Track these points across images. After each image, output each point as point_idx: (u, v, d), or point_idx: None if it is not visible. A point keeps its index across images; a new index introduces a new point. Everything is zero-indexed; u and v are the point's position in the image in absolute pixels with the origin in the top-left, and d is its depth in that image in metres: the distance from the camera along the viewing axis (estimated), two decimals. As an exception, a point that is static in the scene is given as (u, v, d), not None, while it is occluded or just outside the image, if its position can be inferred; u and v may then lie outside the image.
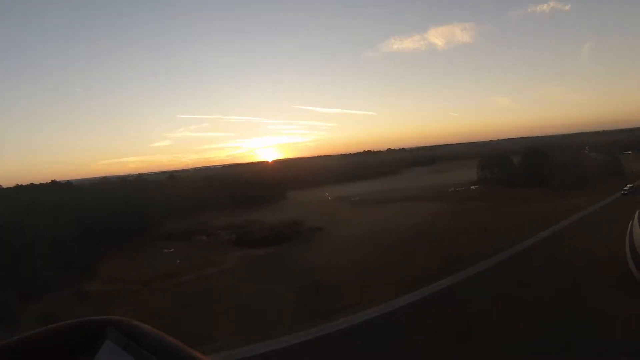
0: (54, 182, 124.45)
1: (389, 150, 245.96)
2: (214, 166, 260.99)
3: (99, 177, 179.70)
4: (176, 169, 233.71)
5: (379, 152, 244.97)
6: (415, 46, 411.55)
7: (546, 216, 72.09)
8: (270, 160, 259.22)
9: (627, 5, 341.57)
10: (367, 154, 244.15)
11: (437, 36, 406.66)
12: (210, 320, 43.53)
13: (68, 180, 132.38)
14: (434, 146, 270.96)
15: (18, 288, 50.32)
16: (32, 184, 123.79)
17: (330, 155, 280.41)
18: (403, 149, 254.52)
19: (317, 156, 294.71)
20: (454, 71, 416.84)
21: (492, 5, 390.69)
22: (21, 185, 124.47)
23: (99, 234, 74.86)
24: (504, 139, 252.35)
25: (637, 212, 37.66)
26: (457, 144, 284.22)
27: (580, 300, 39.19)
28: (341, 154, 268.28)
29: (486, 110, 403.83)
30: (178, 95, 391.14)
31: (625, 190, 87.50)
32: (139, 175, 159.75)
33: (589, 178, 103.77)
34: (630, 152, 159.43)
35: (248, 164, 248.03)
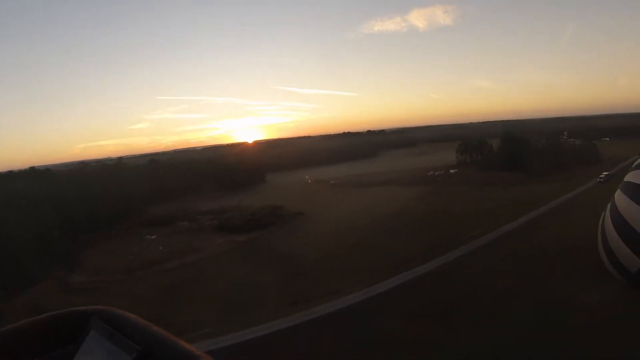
0: (32, 169, 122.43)
1: (369, 132, 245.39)
2: (194, 148, 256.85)
3: (77, 162, 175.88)
4: (156, 152, 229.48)
5: (359, 134, 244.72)
6: (396, 28, 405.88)
7: (522, 202, 73.62)
8: (250, 141, 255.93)
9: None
10: (347, 135, 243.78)
11: (418, 18, 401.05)
12: (196, 308, 44.35)
13: (47, 167, 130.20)
14: (414, 128, 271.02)
15: (2, 282, 50.47)
16: (10, 171, 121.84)
17: (310, 136, 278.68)
18: (383, 130, 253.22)
19: (297, 137, 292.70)
20: (435, 53, 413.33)
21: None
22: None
23: (81, 223, 74.49)
24: (484, 122, 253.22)
25: (609, 204, 38.60)
26: (437, 125, 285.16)
27: (551, 287, 40.85)
28: (321, 135, 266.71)
29: (467, 92, 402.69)
30: (156, 76, 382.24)
31: (602, 177, 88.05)
32: (119, 159, 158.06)
33: (566, 164, 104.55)
34: (608, 139, 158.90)
35: (228, 145, 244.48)
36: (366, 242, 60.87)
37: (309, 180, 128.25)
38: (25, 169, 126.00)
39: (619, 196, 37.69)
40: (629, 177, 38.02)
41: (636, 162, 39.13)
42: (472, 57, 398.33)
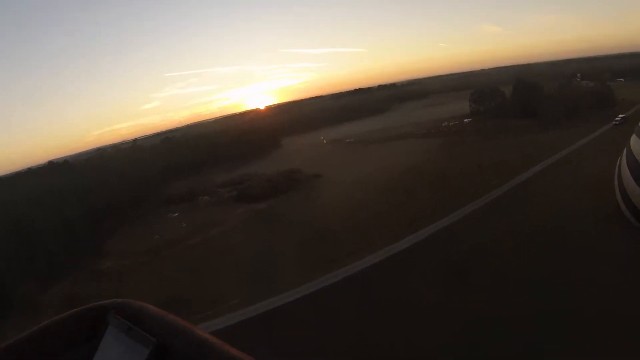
0: (50, 163, 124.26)
1: (380, 86, 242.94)
2: (206, 121, 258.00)
3: (94, 149, 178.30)
4: (169, 129, 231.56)
5: (370, 89, 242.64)
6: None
7: (537, 150, 72.62)
8: (262, 107, 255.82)
9: None
10: (358, 92, 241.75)
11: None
12: (222, 281, 45.21)
13: (65, 159, 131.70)
14: (426, 79, 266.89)
15: (36, 275, 52.18)
16: (29, 168, 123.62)
17: (321, 96, 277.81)
18: (394, 84, 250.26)
19: (308, 98, 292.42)
20: (441, 1, 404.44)
21: None
22: (20, 171, 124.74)
23: (104, 210, 75.94)
24: (495, 68, 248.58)
25: (625, 149, 38.09)
26: (448, 74, 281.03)
27: (568, 233, 41.03)
28: (332, 94, 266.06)
29: (476, 39, 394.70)
30: (161, 54, 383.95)
31: (617, 120, 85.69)
32: (134, 141, 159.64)
33: (581, 108, 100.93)
34: (622, 80, 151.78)
35: (240, 114, 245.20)
36: (384, 200, 61.12)
37: (324, 141, 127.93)
38: (43, 164, 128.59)
39: (634, 141, 36.97)
40: (645, 120, 37.19)
41: None
42: (478, 2, 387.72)
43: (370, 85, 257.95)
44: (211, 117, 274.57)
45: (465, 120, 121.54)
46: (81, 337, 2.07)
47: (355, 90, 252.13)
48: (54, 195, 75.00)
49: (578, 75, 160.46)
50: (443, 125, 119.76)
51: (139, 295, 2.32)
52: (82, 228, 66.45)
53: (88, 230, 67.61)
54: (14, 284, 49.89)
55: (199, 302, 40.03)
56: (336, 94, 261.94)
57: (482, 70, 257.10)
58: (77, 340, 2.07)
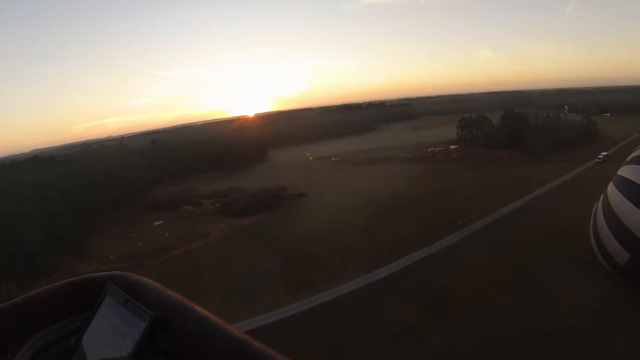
0: (35, 157, 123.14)
1: (369, 104, 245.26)
2: (194, 124, 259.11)
3: (80, 143, 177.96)
4: (156, 129, 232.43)
5: (359, 106, 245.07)
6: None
7: (521, 184, 74.29)
8: (251, 114, 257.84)
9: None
10: (347, 107, 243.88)
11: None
12: (201, 297, 45.64)
13: (49, 153, 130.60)
14: (416, 99, 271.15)
15: (16, 276, 52.15)
16: (13, 160, 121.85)
17: (311, 108, 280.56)
18: (384, 103, 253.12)
19: (299, 109, 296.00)
20: (436, 23, 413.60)
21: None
22: (4, 159, 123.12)
23: (86, 208, 76.18)
24: (486, 93, 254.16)
25: (601, 196, 39.82)
26: (438, 96, 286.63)
27: (538, 276, 42.49)
28: (322, 107, 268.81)
29: (468, 62, 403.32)
30: (156, 52, 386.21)
31: (600, 158, 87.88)
32: (120, 138, 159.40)
33: (566, 142, 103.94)
34: (609, 115, 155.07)
35: (229, 120, 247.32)
36: (365, 224, 62.51)
37: (310, 158, 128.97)
38: (27, 156, 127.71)
39: (611, 189, 38.77)
40: (622, 172, 39.00)
41: (631, 156, 39.72)
42: (473, 28, 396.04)
43: (360, 101, 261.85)
44: (199, 121, 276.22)
45: (451, 146, 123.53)
46: (77, 307, 2.08)
47: (345, 105, 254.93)
48: (37, 190, 74.39)
49: (566, 107, 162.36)
50: (429, 150, 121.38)
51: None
52: (64, 227, 66.52)
53: (70, 229, 67.73)
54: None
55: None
56: (326, 107, 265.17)
57: (472, 94, 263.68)
58: (73, 309, 2.08)
